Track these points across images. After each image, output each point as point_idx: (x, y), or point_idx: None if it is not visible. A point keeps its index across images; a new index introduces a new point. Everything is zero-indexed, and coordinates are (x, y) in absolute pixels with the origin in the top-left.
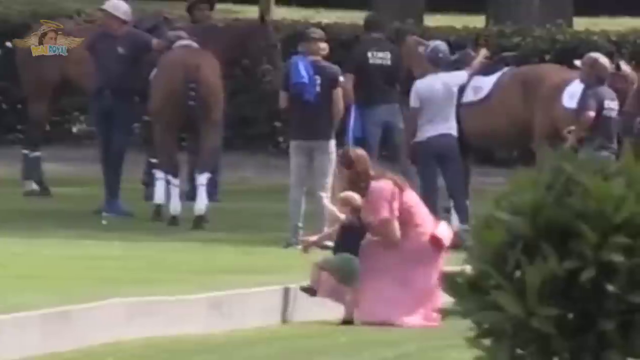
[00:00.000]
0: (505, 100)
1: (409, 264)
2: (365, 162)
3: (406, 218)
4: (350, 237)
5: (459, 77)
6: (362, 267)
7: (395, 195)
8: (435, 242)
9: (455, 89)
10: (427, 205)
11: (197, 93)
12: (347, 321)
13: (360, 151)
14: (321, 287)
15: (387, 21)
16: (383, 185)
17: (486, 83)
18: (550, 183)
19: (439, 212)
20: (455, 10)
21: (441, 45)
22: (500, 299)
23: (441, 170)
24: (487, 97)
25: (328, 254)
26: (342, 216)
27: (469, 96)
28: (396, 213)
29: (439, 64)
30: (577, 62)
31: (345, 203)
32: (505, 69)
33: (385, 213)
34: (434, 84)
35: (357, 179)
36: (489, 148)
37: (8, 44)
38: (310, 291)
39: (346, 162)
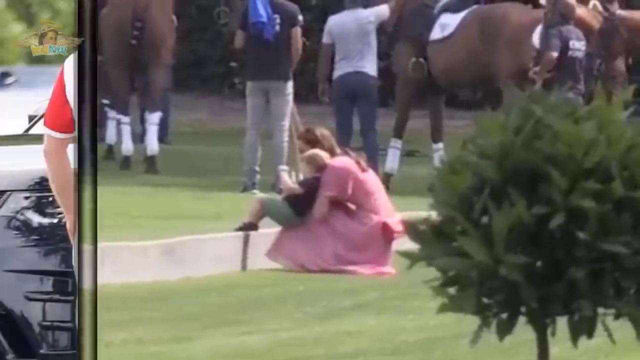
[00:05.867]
0: (466, 39)
1: (354, 246)
2: (330, 139)
3: (361, 200)
4: (304, 199)
5: (376, 12)
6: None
7: (352, 175)
8: (386, 230)
9: (370, 26)
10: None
11: (144, 33)
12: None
13: (325, 130)
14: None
15: None
16: (341, 163)
17: (453, 20)
18: (518, 126)
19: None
20: None
21: None
22: (467, 246)
23: (355, 108)
24: (451, 34)
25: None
26: (297, 189)
27: (436, 33)
28: (349, 192)
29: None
30: (543, 1)
31: (310, 161)
32: (475, 6)
33: (329, 191)
34: (346, 20)
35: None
36: (453, 88)
37: None
38: (251, 227)
39: (311, 140)
